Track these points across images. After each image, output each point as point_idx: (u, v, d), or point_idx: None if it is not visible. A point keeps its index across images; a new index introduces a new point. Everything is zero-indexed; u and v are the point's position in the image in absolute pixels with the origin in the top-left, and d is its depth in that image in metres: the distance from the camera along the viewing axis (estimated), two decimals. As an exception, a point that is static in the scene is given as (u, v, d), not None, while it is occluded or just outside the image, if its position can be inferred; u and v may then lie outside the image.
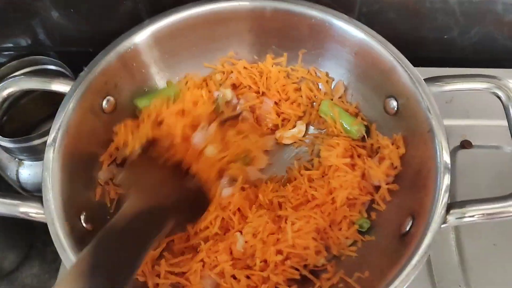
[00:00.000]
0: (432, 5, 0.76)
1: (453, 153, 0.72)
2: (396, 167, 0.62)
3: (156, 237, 0.51)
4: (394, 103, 0.63)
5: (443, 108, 0.76)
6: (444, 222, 0.50)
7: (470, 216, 0.51)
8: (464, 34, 0.81)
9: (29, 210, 0.54)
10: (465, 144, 0.73)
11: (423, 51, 0.85)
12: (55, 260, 0.79)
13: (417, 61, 0.81)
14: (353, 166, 0.65)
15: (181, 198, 0.58)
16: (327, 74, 0.71)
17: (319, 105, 0.71)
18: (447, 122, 0.74)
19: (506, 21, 0.78)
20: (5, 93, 0.59)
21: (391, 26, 0.80)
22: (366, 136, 0.67)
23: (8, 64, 0.80)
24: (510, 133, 0.55)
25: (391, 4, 0.76)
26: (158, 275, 0.59)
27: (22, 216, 0.54)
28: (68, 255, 0.51)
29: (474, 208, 0.51)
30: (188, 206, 0.59)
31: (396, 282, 0.47)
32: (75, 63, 0.77)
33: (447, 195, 0.51)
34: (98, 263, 0.43)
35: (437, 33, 0.82)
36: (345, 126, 0.68)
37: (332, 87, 0.71)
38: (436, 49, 0.85)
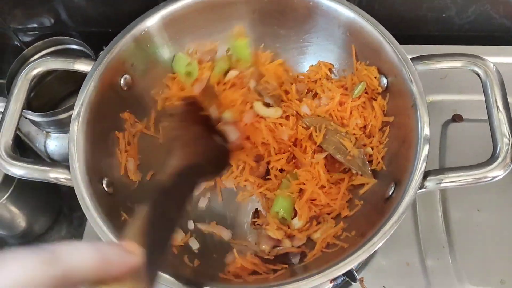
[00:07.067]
0: (430, -15, 0.76)
1: (444, 126, 0.76)
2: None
3: (194, 190, 0.55)
4: (384, 80, 0.65)
5: (438, 84, 0.79)
6: (422, 187, 0.54)
7: (446, 182, 0.54)
8: (461, 13, 0.82)
9: (58, 175, 0.57)
10: (456, 118, 0.76)
11: (423, 29, 0.87)
12: (80, 225, 0.84)
13: (417, 39, 0.83)
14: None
15: (211, 155, 0.62)
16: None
17: None
18: (440, 97, 0.78)
19: (501, 0, 0.79)
20: (34, 72, 0.62)
21: (391, 5, 0.81)
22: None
23: (34, 44, 0.83)
24: (486, 106, 0.57)
25: (390, -16, 0.76)
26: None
27: (52, 180, 0.58)
28: (92, 213, 0.55)
29: (450, 175, 0.54)
30: (215, 161, 0.63)
31: (375, 239, 0.51)
32: (95, 42, 0.80)
33: (424, 163, 0.54)
34: (154, 221, 0.44)
35: (436, 12, 0.82)
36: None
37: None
38: (435, 27, 0.86)
